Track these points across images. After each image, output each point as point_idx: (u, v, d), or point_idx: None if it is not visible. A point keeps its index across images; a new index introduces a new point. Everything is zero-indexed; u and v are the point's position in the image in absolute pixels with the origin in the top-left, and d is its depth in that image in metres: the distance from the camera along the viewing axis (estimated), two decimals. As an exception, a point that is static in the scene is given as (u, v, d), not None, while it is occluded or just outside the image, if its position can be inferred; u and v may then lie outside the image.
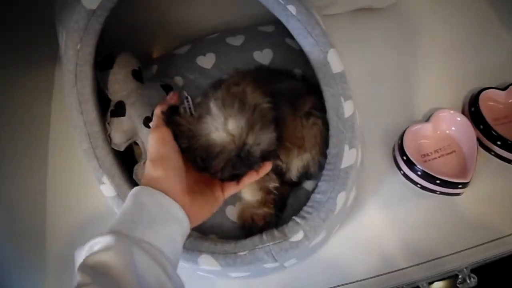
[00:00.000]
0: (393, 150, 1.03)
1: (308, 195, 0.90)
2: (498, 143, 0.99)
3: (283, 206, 0.94)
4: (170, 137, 0.68)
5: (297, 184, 0.96)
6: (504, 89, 1.06)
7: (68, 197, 1.13)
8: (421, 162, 0.96)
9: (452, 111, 1.03)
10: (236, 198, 0.96)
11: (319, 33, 0.83)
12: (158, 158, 0.65)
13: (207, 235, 0.90)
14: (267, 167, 0.74)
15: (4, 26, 1.03)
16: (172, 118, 0.70)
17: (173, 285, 0.56)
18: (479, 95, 1.03)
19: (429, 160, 1.02)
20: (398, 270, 0.94)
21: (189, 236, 0.86)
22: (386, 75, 1.16)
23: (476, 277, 0.95)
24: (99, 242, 0.55)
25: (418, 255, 0.95)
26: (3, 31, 1.04)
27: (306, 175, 0.94)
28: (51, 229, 1.10)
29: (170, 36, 1.19)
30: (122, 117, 0.91)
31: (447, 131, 1.04)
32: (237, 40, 1.13)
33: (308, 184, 0.96)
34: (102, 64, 0.91)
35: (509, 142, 0.97)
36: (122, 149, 0.90)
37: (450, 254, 0.95)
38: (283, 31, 1.10)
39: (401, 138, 0.99)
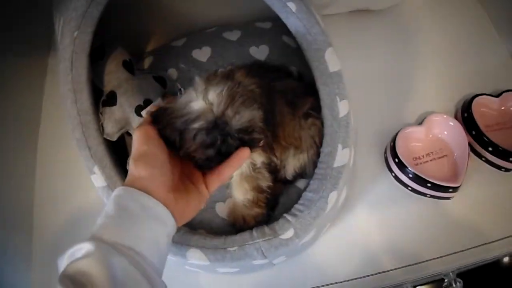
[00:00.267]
0: (385, 152, 1.04)
1: (300, 193, 0.90)
2: (490, 149, 0.99)
3: (275, 204, 0.94)
4: (154, 135, 0.65)
5: (290, 182, 0.96)
6: (497, 96, 1.07)
7: (56, 188, 1.12)
8: (412, 165, 0.96)
9: (445, 116, 1.04)
10: (226, 194, 0.96)
11: (318, 32, 0.83)
12: (141, 157, 0.63)
13: (196, 230, 0.89)
14: (245, 153, 0.67)
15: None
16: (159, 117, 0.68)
17: None
18: (472, 101, 1.04)
19: (420, 163, 1.02)
20: (385, 271, 0.95)
21: (178, 230, 0.86)
22: (381, 77, 1.17)
23: (461, 282, 0.96)
24: (79, 249, 0.53)
25: (405, 258, 0.96)
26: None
27: (301, 174, 0.94)
28: (38, 221, 1.09)
29: (167, 29, 1.18)
30: (113, 107, 0.90)
31: (440, 135, 1.05)
32: (233, 35, 1.13)
33: (300, 182, 0.96)
34: (93, 55, 0.90)
35: (500, 148, 0.98)
36: (114, 139, 0.89)
37: (437, 258, 0.96)
38: (280, 28, 1.11)
39: (394, 140, 0.99)
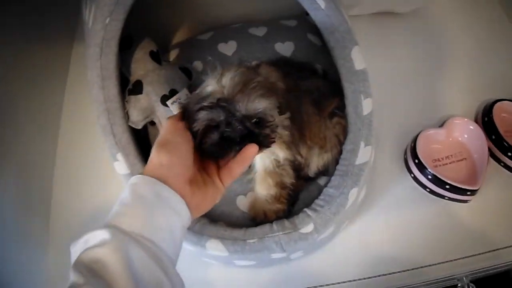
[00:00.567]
0: (405, 153, 1.04)
1: (320, 189, 0.90)
2: (509, 154, 1.00)
3: (296, 200, 0.94)
4: (181, 127, 0.66)
5: (312, 179, 0.96)
6: (518, 102, 1.07)
7: (74, 175, 1.13)
8: (432, 167, 0.96)
9: (465, 119, 1.04)
10: (247, 188, 0.96)
11: (345, 30, 0.84)
12: (164, 144, 0.63)
13: (216, 222, 0.90)
14: (253, 150, 0.66)
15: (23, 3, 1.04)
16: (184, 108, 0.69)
17: (171, 282, 0.55)
18: (493, 106, 1.04)
19: (439, 165, 1.02)
20: (398, 272, 0.95)
21: (198, 221, 0.86)
22: (402, 78, 1.17)
23: (474, 286, 0.96)
24: (94, 236, 0.53)
25: (419, 259, 0.96)
26: (22, 7, 1.04)
27: (323, 172, 0.94)
28: (55, 206, 1.10)
29: (193, 23, 1.19)
30: (139, 95, 0.91)
31: (460, 139, 1.05)
32: (259, 31, 1.13)
33: (321, 179, 0.96)
34: (121, 44, 0.91)
35: (520, 154, 0.98)
36: (139, 127, 0.90)
37: (450, 261, 0.95)
38: (305, 26, 1.12)
39: (414, 141, 1.00)
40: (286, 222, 0.84)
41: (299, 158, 0.88)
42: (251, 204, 0.94)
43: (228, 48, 1.11)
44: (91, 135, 1.13)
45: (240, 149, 0.66)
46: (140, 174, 0.61)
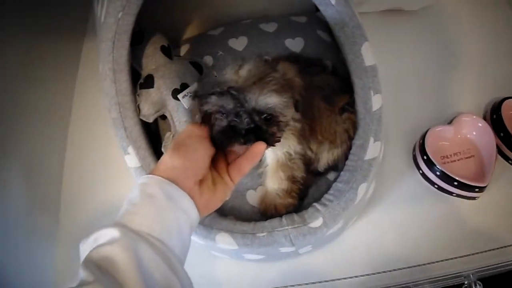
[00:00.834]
0: (413, 149, 1.04)
1: (329, 184, 0.91)
2: (517, 151, 1.00)
3: (305, 195, 0.94)
4: (201, 133, 0.66)
5: (321, 174, 0.96)
6: (527, 99, 1.07)
7: (84, 171, 1.14)
8: (440, 163, 0.97)
9: (474, 116, 1.04)
10: (257, 182, 0.97)
11: (356, 25, 0.85)
12: (180, 148, 0.63)
13: (225, 216, 0.90)
14: (261, 148, 0.67)
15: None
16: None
17: (180, 282, 0.55)
18: (501, 104, 1.04)
19: (448, 162, 1.03)
20: (405, 268, 0.95)
21: (208, 214, 0.87)
22: (411, 75, 1.17)
23: (481, 285, 0.96)
24: (103, 235, 0.54)
25: (426, 256, 0.96)
26: (33, 3, 1.06)
27: (333, 167, 0.95)
28: (65, 202, 1.11)
29: (203, 18, 1.20)
30: (150, 89, 0.92)
31: (468, 136, 1.05)
32: (270, 27, 1.14)
33: (330, 174, 0.97)
34: (132, 39, 0.91)
35: (528, 152, 0.98)
36: (150, 121, 0.91)
37: (458, 257, 0.96)
38: (315, 23, 1.12)
39: (423, 138, 1.00)
40: (295, 216, 0.84)
41: (309, 153, 0.88)
42: (261, 198, 0.94)
43: (238, 43, 1.12)
44: (101, 132, 1.14)
45: (245, 142, 0.66)
46: (150, 173, 0.62)
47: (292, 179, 0.87)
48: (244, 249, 0.83)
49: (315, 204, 0.86)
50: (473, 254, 0.96)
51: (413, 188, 1.03)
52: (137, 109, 0.89)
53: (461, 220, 1.00)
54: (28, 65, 1.05)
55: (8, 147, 0.95)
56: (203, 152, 0.65)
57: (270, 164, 0.87)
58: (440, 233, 0.98)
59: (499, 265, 0.97)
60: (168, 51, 0.97)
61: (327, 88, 0.90)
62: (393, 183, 1.04)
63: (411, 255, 0.96)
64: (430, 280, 0.96)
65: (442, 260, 0.95)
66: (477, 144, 1.05)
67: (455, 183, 0.94)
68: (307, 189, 0.95)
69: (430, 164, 0.97)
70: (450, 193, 0.98)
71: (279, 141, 0.70)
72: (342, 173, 0.88)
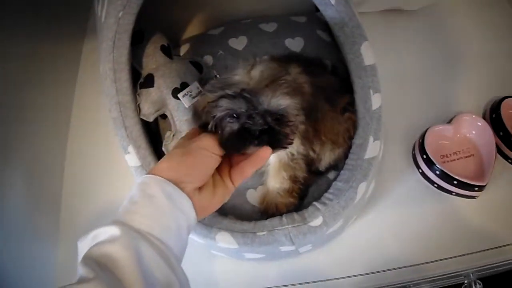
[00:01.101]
0: (413, 149, 1.04)
1: (329, 183, 0.91)
2: (517, 150, 1.00)
3: (305, 194, 0.95)
4: (212, 147, 0.65)
5: (322, 173, 0.97)
6: (526, 98, 1.08)
7: (84, 171, 1.14)
8: (440, 163, 0.97)
9: (473, 116, 1.04)
10: (258, 182, 0.97)
11: (355, 25, 0.85)
12: (188, 155, 0.63)
13: (226, 216, 0.90)
14: (266, 153, 0.67)
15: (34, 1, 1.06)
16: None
17: (179, 281, 0.55)
18: (501, 103, 1.04)
19: (447, 161, 1.03)
20: (405, 267, 0.95)
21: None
22: (411, 75, 1.18)
23: (481, 283, 0.96)
24: (103, 232, 0.54)
25: (425, 254, 0.96)
26: (34, 3, 1.06)
27: (333, 167, 0.95)
28: (66, 202, 1.11)
29: (203, 18, 1.21)
30: (151, 88, 0.92)
31: (468, 135, 1.06)
32: (270, 27, 1.14)
33: (330, 173, 0.97)
34: (132, 39, 0.92)
35: (527, 151, 0.98)
36: (151, 120, 0.91)
37: (458, 256, 0.96)
38: (314, 22, 1.13)
39: (422, 137, 1.00)
40: (295, 215, 0.85)
41: (311, 153, 0.89)
42: (262, 197, 0.95)
43: (238, 43, 1.12)
44: (101, 132, 1.15)
45: (258, 144, 0.65)
46: (151, 172, 0.62)
47: (293, 179, 0.88)
48: (245, 248, 0.83)
49: (315, 203, 0.86)
50: (472, 253, 0.96)
51: (413, 187, 1.03)
52: (138, 109, 0.90)
53: (461, 219, 1.00)
54: (28, 66, 1.05)
55: (9, 147, 0.96)
56: (211, 165, 0.65)
57: (272, 164, 0.87)
58: (439, 232, 0.98)
59: (499, 264, 0.97)
60: (168, 51, 0.98)
61: (328, 89, 0.90)
62: (392, 182, 1.04)
63: (411, 254, 0.96)
64: (430, 279, 0.96)
65: (441, 259, 0.95)
66: (477, 143, 1.05)
67: (455, 182, 0.95)
68: (307, 188, 0.95)
69: (429, 163, 0.97)
70: (450, 192, 0.98)
71: (292, 142, 0.69)
72: (342, 172, 0.88)
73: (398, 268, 0.95)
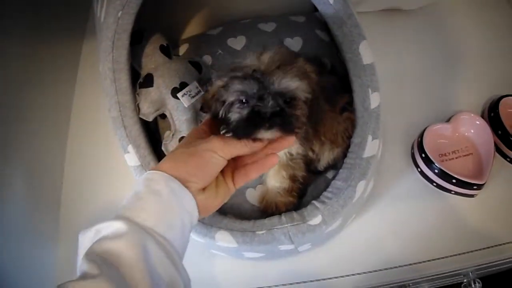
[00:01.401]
0: (412, 147, 1.05)
1: (328, 182, 0.91)
2: (515, 149, 1.00)
3: (304, 193, 0.95)
4: (222, 151, 0.64)
5: (320, 173, 0.97)
6: (524, 97, 1.08)
7: (84, 169, 1.14)
8: (438, 161, 0.97)
9: (472, 114, 1.05)
10: (257, 181, 0.97)
11: (353, 24, 0.85)
12: (195, 156, 0.62)
13: (225, 215, 0.91)
14: (273, 160, 0.67)
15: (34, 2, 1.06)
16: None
17: (182, 279, 0.55)
18: (499, 101, 1.04)
19: (446, 160, 1.03)
20: (404, 265, 0.95)
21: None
22: (409, 74, 1.18)
23: (481, 282, 0.96)
24: (107, 227, 0.53)
25: (425, 253, 0.96)
26: (33, 3, 1.06)
27: (332, 166, 0.95)
28: (65, 200, 1.12)
29: (202, 18, 1.21)
30: (150, 88, 0.92)
31: (466, 134, 1.06)
32: (269, 27, 1.14)
33: (329, 172, 0.97)
34: (131, 39, 0.92)
35: (526, 149, 0.98)
36: (150, 119, 0.91)
37: (457, 255, 0.96)
38: (313, 22, 1.13)
39: (421, 136, 1.00)
40: (294, 214, 0.85)
41: (310, 153, 0.89)
42: (261, 196, 0.95)
43: (237, 43, 1.12)
44: (101, 131, 1.15)
45: (270, 127, 0.63)
46: (155, 169, 0.61)
47: (293, 178, 0.88)
48: (244, 247, 0.84)
49: (314, 202, 0.86)
50: (471, 251, 0.96)
51: (412, 186, 1.03)
52: (137, 108, 0.90)
53: (460, 217, 1.00)
54: (28, 66, 1.05)
55: (9, 147, 0.96)
56: (218, 168, 0.64)
57: None
58: (438, 231, 0.98)
59: (498, 262, 0.97)
60: (167, 51, 0.98)
61: (328, 88, 0.91)
62: (391, 181, 1.04)
63: (410, 253, 0.96)
64: (429, 278, 0.97)
65: (440, 258, 0.95)
66: (475, 142, 1.05)
67: (454, 180, 0.95)
68: (306, 188, 0.95)
69: (428, 162, 0.97)
70: (449, 190, 0.98)
71: (304, 125, 0.68)
72: (340, 171, 0.88)
73: (397, 266, 0.95)
